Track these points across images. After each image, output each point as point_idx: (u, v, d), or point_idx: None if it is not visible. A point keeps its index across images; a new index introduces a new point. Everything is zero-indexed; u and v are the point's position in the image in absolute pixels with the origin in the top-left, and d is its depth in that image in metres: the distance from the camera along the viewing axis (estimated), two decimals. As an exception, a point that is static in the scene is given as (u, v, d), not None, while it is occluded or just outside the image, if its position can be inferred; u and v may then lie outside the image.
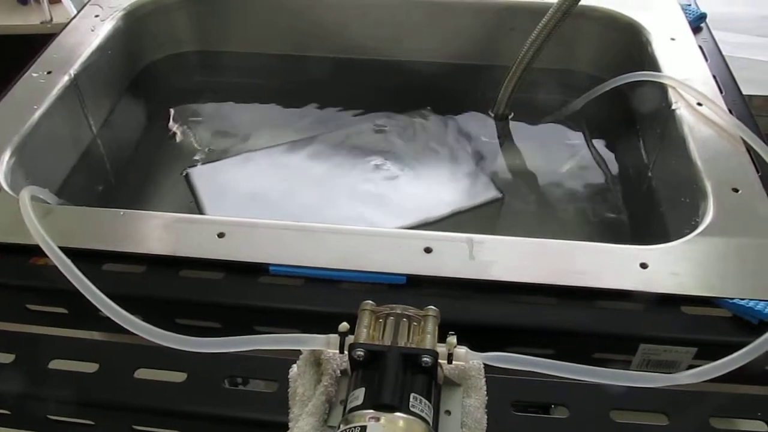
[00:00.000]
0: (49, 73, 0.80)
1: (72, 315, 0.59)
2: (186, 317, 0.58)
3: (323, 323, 0.47)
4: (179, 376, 0.52)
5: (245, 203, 0.81)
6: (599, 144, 0.91)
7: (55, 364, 0.53)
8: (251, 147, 0.92)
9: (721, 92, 0.77)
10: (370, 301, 0.47)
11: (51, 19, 1.47)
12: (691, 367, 0.54)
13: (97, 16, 0.91)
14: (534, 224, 0.82)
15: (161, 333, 0.49)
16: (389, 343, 0.44)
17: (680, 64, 0.81)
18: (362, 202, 0.81)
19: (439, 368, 0.45)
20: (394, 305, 0.46)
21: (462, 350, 0.45)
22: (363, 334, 0.44)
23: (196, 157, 0.91)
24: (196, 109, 0.99)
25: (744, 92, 0.80)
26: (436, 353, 0.43)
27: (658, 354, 0.54)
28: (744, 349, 0.48)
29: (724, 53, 0.86)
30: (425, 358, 0.43)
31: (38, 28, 1.48)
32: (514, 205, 0.83)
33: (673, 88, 0.77)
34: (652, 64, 0.82)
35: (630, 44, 0.89)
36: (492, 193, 0.81)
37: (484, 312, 0.55)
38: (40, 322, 0.60)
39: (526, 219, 0.83)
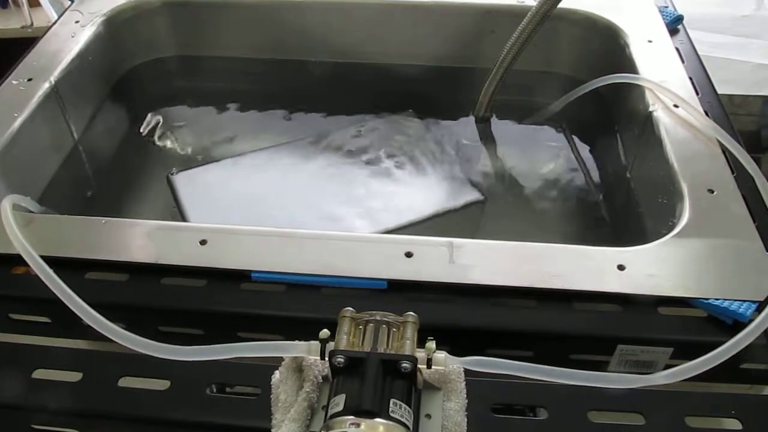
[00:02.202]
0: (29, 80, 0.80)
1: (55, 324, 0.59)
2: (169, 325, 0.58)
3: (305, 329, 0.48)
4: (163, 384, 0.52)
5: (228, 208, 0.81)
6: (579, 145, 0.92)
7: (39, 374, 0.53)
8: (234, 151, 0.92)
9: (698, 94, 0.78)
10: (350, 308, 0.47)
11: (32, 24, 1.46)
12: (668, 366, 0.55)
13: (77, 22, 0.90)
14: (515, 225, 0.83)
15: (143, 341, 0.49)
16: (369, 350, 0.44)
17: (657, 66, 0.82)
18: (344, 206, 0.82)
19: (418, 373, 0.45)
20: (373, 312, 0.47)
21: (441, 355, 0.46)
22: (343, 340, 0.45)
23: (179, 162, 0.91)
24: (178, 114, 0.99)
25: (721, 92, 0.81)
26: (415, 359, 0.44)
27: (635, 354, 0.55)
28: (718, 349, 0.50)
29: (701, 53, 0.87)
30: (404, 364, 0.43)
31: (18, 32, 1.47)
32: (496, 206, 0.84)
33: (651, 90, 0.78)
34: (630, 67, 0.83)
35: (608, 46, 0.90)
36: (473, 195, 0.82)
37: (465, 315, 0.56)
38: (22, 331, 0.60)
39: (508, 220, 0.84)
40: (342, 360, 0.43)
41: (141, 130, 0.96)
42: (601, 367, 0.56)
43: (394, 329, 0.46)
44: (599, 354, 0.56)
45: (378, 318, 0.46)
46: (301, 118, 0.98)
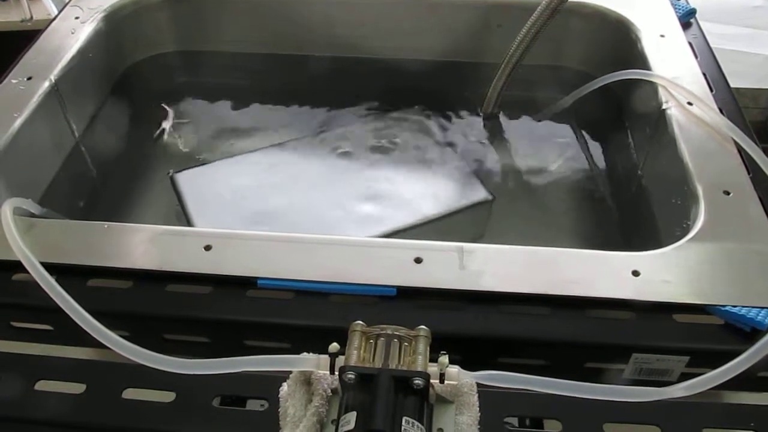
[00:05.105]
0: (29, 78, 0.78)
1: (57, 332, 0.58)
2: (174, 333, 0.57)
3: (313, 337, 0.47)
4: (168, 396, 0.51)
5: (232, 207, 0.80)
6: (589, 142, 0.90)
7: (42, 386, 0.52)
8: (238, 148, 0.91)
9: (712, 90, 0.76)
10: (360, 322, 0.46)
11: (31, 17, 1.44)
12: (684, 374, 0.54)
13: (77, 18, 0.89)
14: (524, 225, 0.82)
15: (146, 354, 0.48)
16: (380, 366, 0.43)
17: (670, 62, 0.80)
18: (350, 205, 0.80)
19: (430, 388, 0.44)
20: (384, 326, 0.46)
21: (454, 369, 0.44)
22: (353, 356, 0.44)
23: (182, 159, 0.89)
24: (180, 111, 0.98)
25: (732, 85, 0.79)
26: (428, 375, 0.43)
27: (650, 363, 0.54)
28: (738, 359, 0.48)
29: (712, 45, 0.85)
30: (417, 381, 0.42)
31: (18, 25, 1.44)
32: (505, 206, 0.82)
33: (663, 86, 0.76)
34: (642, 62, 0.81)
35: (619, 41, 0.88)
36: (481, 195, 0.80)
37: (476, 323, 0.55)
38: (24, 338, 0.59)
39: (517, 220, 0.82)
40: (353, 377, 0.42)
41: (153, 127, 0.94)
42: (616, 374, 0.55)
43: (406, 343, 0.45)
44: (614, 362, 0.55)
45: (389, 332, 0.45)
46: (305, 115, 0.97)
